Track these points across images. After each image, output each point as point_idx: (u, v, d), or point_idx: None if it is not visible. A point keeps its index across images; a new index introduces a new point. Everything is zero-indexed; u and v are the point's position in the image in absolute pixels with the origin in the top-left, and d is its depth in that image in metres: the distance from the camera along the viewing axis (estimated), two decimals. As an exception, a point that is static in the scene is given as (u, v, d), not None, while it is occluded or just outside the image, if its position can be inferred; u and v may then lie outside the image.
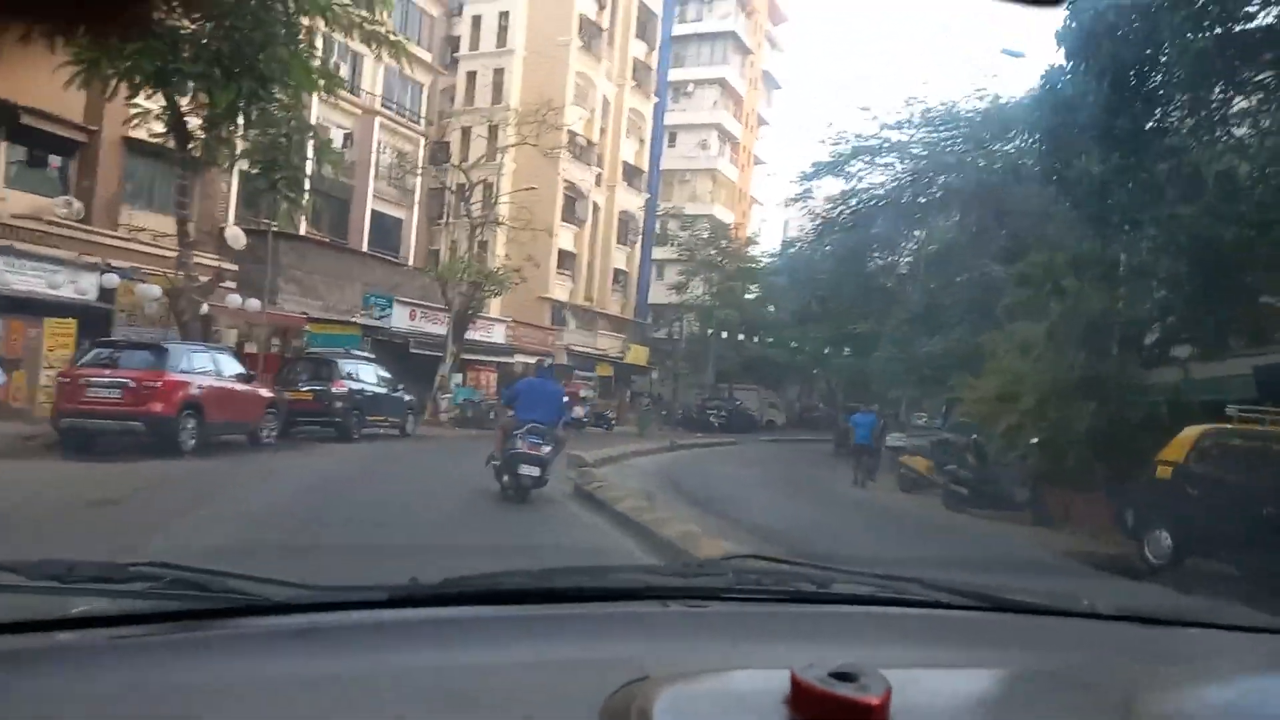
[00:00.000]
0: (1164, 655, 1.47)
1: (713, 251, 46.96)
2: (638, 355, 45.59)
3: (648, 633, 1.48)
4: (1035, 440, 16.28)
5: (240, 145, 17.94)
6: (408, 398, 23.08)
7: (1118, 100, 12.46)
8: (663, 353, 46.71)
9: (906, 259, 26.37)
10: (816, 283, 29.22)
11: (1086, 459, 15.19)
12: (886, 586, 1.81)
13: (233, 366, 16.55)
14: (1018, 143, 25.61)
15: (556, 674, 1.25)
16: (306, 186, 19.31)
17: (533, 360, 39.30)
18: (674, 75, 53.24)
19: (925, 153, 26.37)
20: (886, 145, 27.02)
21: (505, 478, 11.39)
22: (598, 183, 45.67)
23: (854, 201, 28.29)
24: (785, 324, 40.98)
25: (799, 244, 29.51)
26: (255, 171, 18.23)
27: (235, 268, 24.86)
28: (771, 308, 45.09)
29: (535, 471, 11.25)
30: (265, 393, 17.49)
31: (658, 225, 50.81)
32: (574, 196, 43.92)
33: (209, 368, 15.68)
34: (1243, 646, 1.64)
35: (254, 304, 21.48)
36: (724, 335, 41.20)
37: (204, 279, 18.26)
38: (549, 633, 1.45)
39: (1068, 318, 15.44)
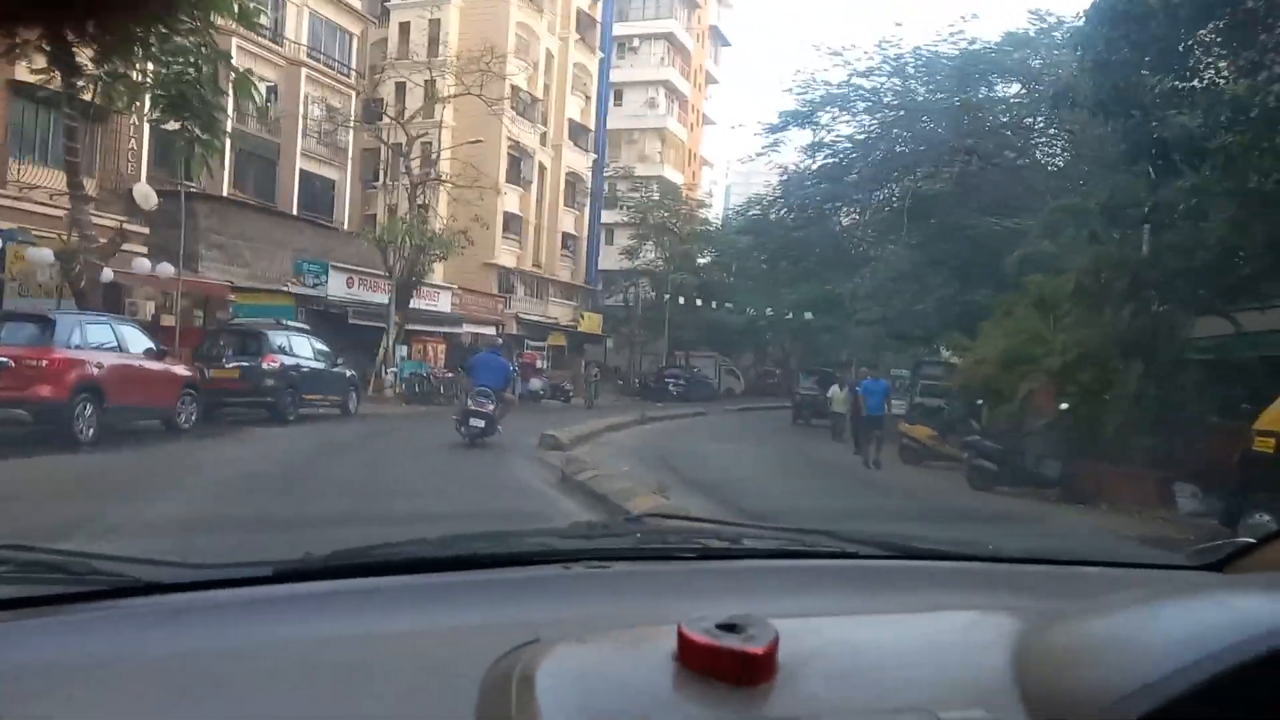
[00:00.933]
0: (1062, 594, 1.42)
1: (665, 214, 44.62)
2: (591, 324, 43.21)
3: (545, 596, 1.42)
4: (1064, 407, 14.48)
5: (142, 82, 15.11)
6: (349, 373, 20.50)
7: (1191, 9, 10.48)
8: (617, 320, 44.36)
9: (884, 214, 24.30)
10: (786, 241, 27.03)
11: (1128, 427, 13.40)
12: (795, 540, 1.83)
13: (140, 341, 13.84)
14: (1002, 89, 23.86)
15: (445, 641, 1.22)
16: (226, 129, 16.54)
17: (482, 330, 36.94)
18: (618, 30, 50.54)
19: (898, 101, 24.34)
20: (858, 93, 24.91)
21: (461, 428, 14.57)
22: (543, 142, 43.02)
23: (824, 154, 26.19)
24: (748, 287, 38.89)
25: (765, 201, 27.23)
26: (161, 111, 15.34)
27: (145, 230, 21.90)
28: (728, 273, 42.97)
29: (481, 424, 14.45)
30: (181, 371, 14.84)
31: (605, 187, 48.35)
32: (519, 156, 41.24)
33: (109, 342, 13.01)
34: (1135, 582, 1.64)
35: (166, 269, 18.63)
36: (680, 301, 38.94)
37: (103, 240, 15.42)
38: (442, 601, 1.38)
39: (1105, 267, 13.54)
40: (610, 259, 48.37)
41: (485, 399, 14.48)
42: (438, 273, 32.92)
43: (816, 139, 26.38)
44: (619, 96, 51.68)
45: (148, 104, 15.76)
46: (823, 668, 1.02)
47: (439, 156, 28.68)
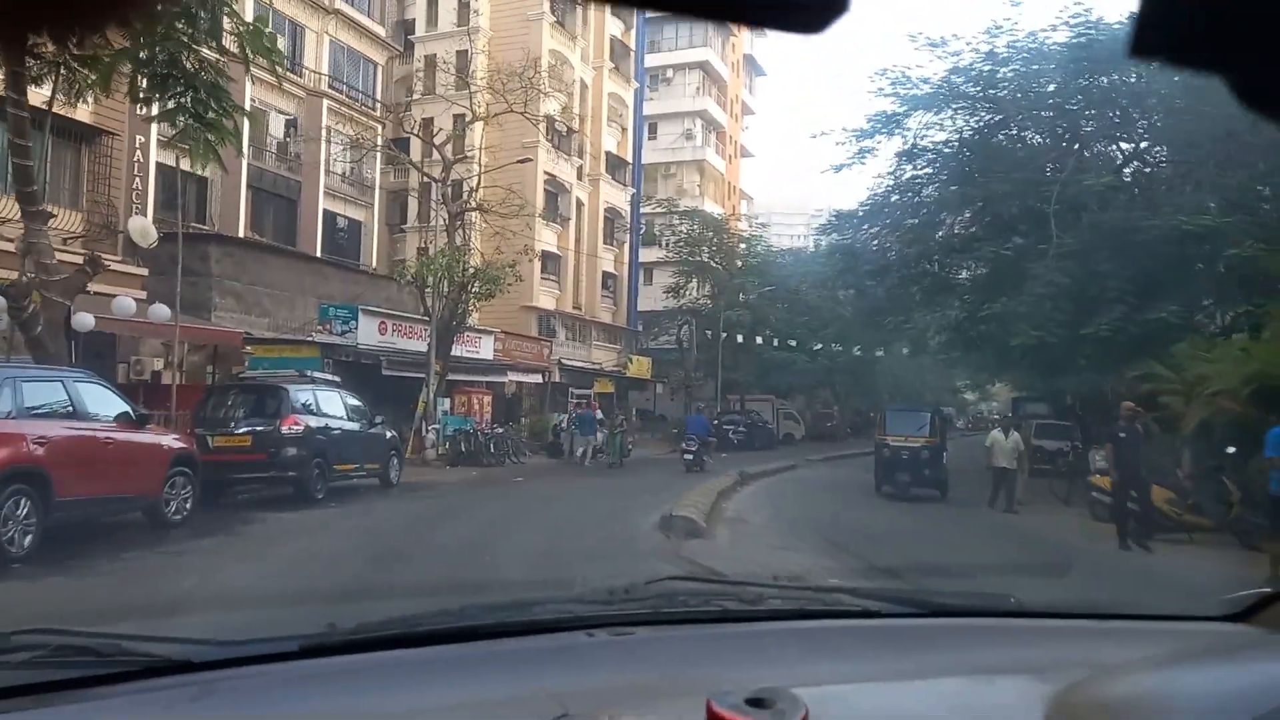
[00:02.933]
0: (1086, 650, 1.41)
1: (709, 248, 40.59)
2: (640, 368, 39.01)
3: (570, 665, 1.41)
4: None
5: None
6: (389, 433, 16.38)
7: None
8: (663, 364, 40.14)
9: (993, 223, 20.05)
10: (886, 261, 22.85)
11: None
12: (815, 599, 1.84)
13: (109, 404, 9.71)
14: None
15: (474, 715, 1.21)
16: (240, 106, 12.63)
17: (527, 379, 32.93)
18: (650, 61, 47.06)
19: (1018, 91, 20.35)
20: (967, 84, 20.93)
21: (684, 459, 21.74)
22: (579, 176, 39.30)
23: (923, 160, 22.15)
24: (829, 318, 34.64)
25: (856, 218, 23.10)
26: (149, 87, 11.26)
27: (143, 271, 18.06)
28: (794, 308, 38.78)
29: (691, 457, 21.64)
30: (171, 442, 10.74)
31: (643, 224, 44.52)
32: (555, 191, 37.52)
33: (61, 405, 8.95)
34: (1159, 635, 1.60)
35: (161, 312, 14.58)
36: (739, 339, 34.75)
37: (67, 274, 11.39)
38: (467, 672, 1.38)
39: None
40: (647, 299, 44.43)
41: (693, 442, 22.17)
42: (474, 317, 29.07)
43: (909, 145, 22.38)
44: (653, 130, 48.10)
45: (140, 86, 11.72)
46: None
47: (478, 184, 24.76)
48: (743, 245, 42.03)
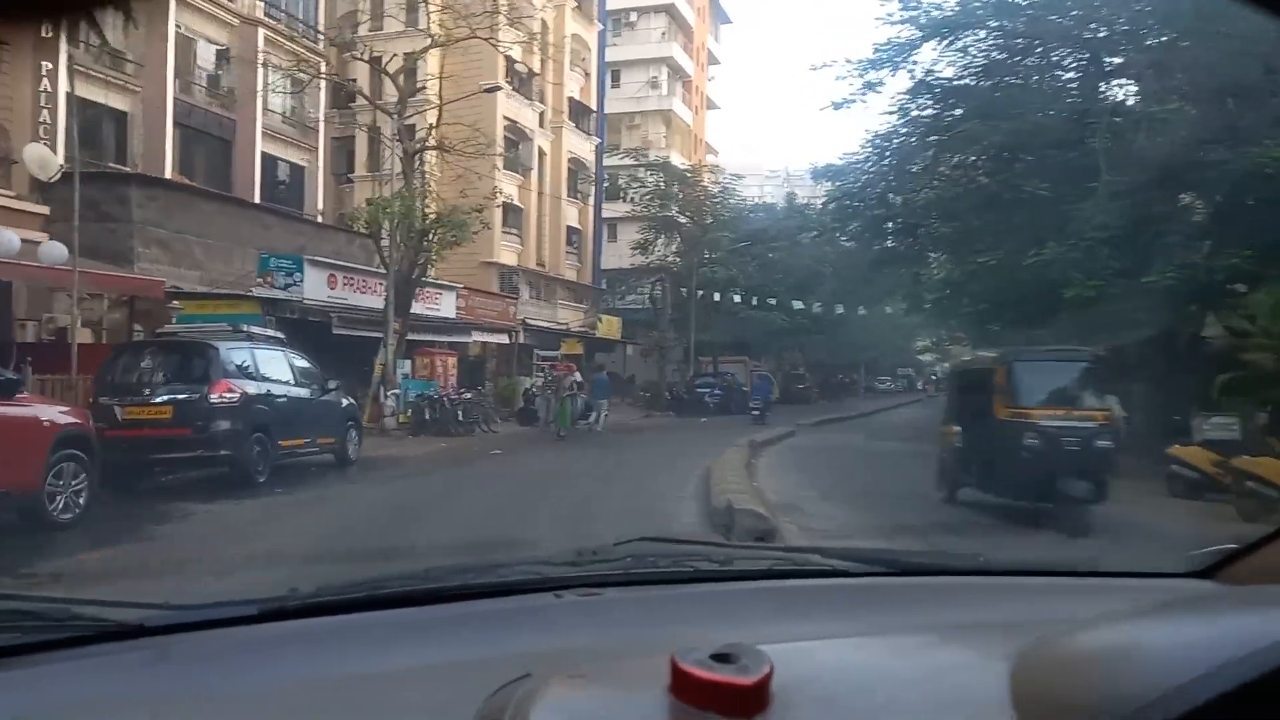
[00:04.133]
0: (1053, 607, 1.37)
1: (678, 203, 37.94)
2: (610, 328, 36.35)
3: (537, 626, 1.38)
4: None
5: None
6: (345, 401, 13.66)
7: None
8: (635, 324, 37.56)
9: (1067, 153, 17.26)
10: (891, 208, 20.41)
11: None
12: (785, 559, 1.83)
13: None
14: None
15: (435, 678, 1.18)
16: None
17: (492, 339, 30.16)
18: (612, 4, 43.96)
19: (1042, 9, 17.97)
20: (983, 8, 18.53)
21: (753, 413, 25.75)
22: (541, 123, 36.31)
23: (932, 96, 19.74)
24: (807, 275, 32.29)
25: (859, 161, 20.55)
26: None
27: (44, 210, 15.00)
28: (758, 262, 36.36)
29: (758, 412, 26.52)
30: (55, 416, 7.96)
31: (606, 177, 41.64)
32: (516, 139, 34.52)
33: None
34: (1126, 592, 1.59)
35: (54, 252, 11.60)
36: (716, 298, 32.32)
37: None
38: (432, 636, 1.35)
39: None
40: (612, 257, 41.72)
41: (759, 402, 27.19)
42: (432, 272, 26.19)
43: (920, 79, 19.92)
44: (616, 78, 45.10)
45: None
46: (817, 694, 0.99)
47: (439, 118, 21.76)
48: (714, 200, 39.44)
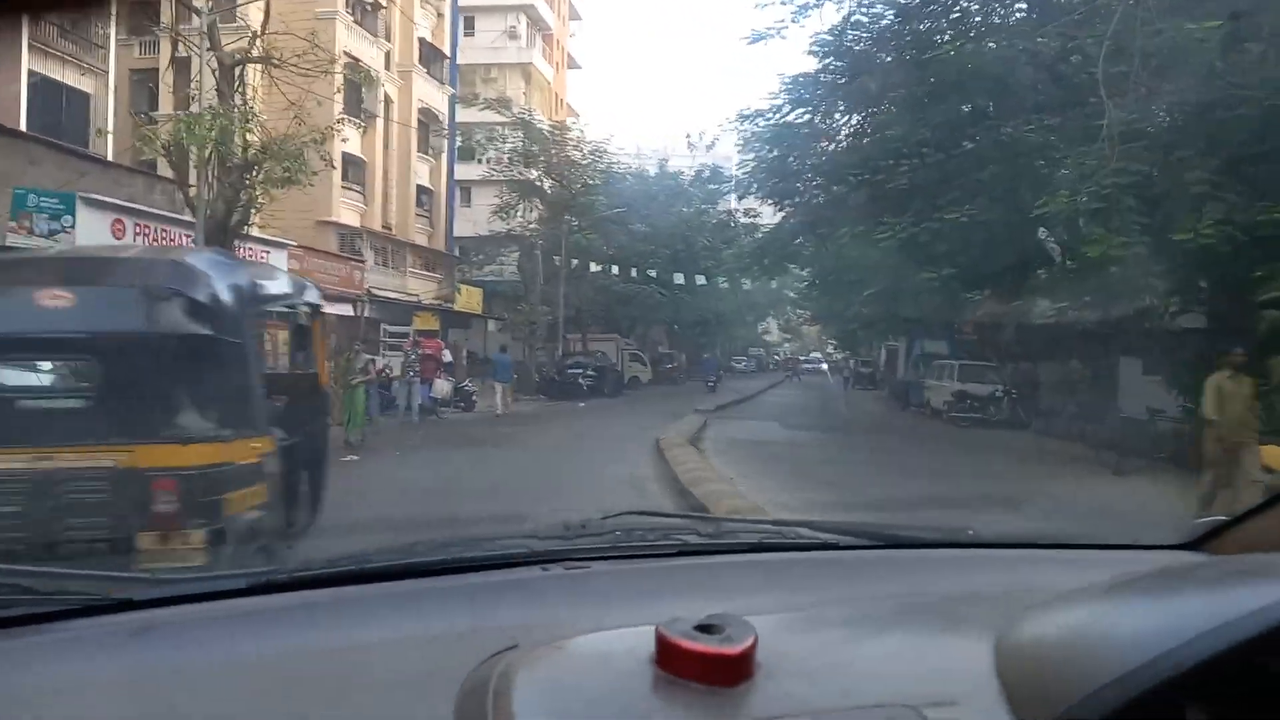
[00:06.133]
0: (1041, 579, 1.36)
1: (543, 166, 33.89)
2: (470, 300, 31.89)
3: (523, 600, 1.36)
4: None
5: None
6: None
7: None
8: (499, 298, 33.23)
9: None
10: (825, 161, 17.09)
11: None
12: (773, 533, 1.76)
13: None
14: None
15: (422, 650, 1.17)
16: None
17: (335, 310, 25.19)
18: (466, -57, 39.17)
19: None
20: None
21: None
22: (388, 64, 31.39)
23: (862, 31, 16.63)
24: (698, 245, 28.85)
25: (795, 99, 17.09)
26: None
27: None
28: (626, 230, 32.75)
29: (712, 384, 31.50)
30: None
31: (459, 135, 36.96)
32: (358, 81, 29.47)
33: None
34: (1114, 563, 1.57)
35: None
36: (593, 268, 28.55)
37: None
38: (418, 608, 1.32)
39: None
40: (465, 223, 37.18)
41: (711, 377, 31.45)
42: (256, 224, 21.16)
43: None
44: (470, 25, 40.40)
45: None
46: (802, 665, 0.99)
47: (264, 23, 16.87)
48: (583, 164, 35.61)
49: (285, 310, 6.74)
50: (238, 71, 16.38)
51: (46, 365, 5.30)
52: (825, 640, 1.08)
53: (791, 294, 54.13)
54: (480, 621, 1.24)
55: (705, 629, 0.93)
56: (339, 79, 18.37)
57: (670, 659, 0.92)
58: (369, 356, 17.35)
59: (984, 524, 1.81)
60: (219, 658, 1.12)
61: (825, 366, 63.85)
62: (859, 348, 42.68)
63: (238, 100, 16.20)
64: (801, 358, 67.41)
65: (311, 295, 6.89)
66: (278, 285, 6.33)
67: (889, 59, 15.66)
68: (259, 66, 17.28)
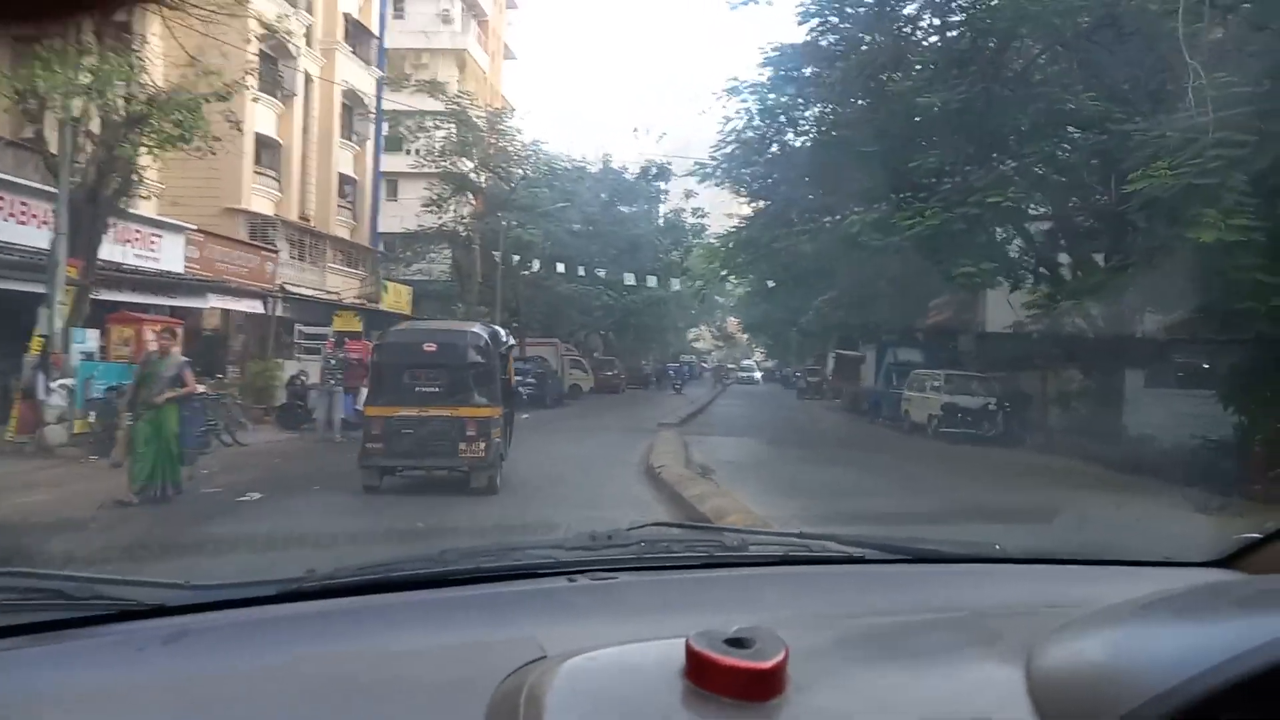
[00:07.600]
0: (1072, 595, 1.35)
1: (474, 156, 30.91)
2: (398, 299, 28.60)
3: (551, 610, 1.34)
4: None
5: None
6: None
7: None
8: (430, 298, 29.99)
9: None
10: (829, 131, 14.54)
11: None
12: (800, 546, 1.71)
13: None
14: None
15: (451, 659, 1.16)
16: None
17: (242, 306, 21.68)
18: (396, -82, 35.93)
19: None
20: None
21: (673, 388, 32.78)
22: (309, 40, 28.01)
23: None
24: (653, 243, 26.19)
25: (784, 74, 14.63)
26: None
27: None
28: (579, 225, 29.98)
29: (678, 388, 39.27)
30: None
31: (386, 123, 33.66)
32: (274, 55, 26.08)
33: None
34: (1144, 580, 1.51)
35: None
36: (536, 267, 25.65)
37: None
38: (447, 617, 1.32)
39: None
40: (391, 218, 33.87)
41: (678, 382, 37.18)
42: (147, 209, 17.74)
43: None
44: (400, 8, 37.16)
45: None
46: (833, 680, 0.97)
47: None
48: (522, 156, 32.70)
49: (506, 349, 11.49)
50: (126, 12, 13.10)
51: (427, 373, 9.73)
52: (856, 655, 1.06)
53: (720, 299, 52.13)
54: (508, 631, 1.21)
55: (736, 642, 0.92)
56: (252, 24, 15.14)
57: (701, 672, 0.91)
58: (184, 359, 10.99)
59: (1008, 538, 1.64)
60: (250, 664, 1.11)
61: (759, 375, 61.85)
62: (806, 356, 40.58)
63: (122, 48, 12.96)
64: (731, 365, 65.31)
65: (511, 340, 12.68)
66: (507, 338, 12.22)
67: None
68: (153, 8, 14.04)
